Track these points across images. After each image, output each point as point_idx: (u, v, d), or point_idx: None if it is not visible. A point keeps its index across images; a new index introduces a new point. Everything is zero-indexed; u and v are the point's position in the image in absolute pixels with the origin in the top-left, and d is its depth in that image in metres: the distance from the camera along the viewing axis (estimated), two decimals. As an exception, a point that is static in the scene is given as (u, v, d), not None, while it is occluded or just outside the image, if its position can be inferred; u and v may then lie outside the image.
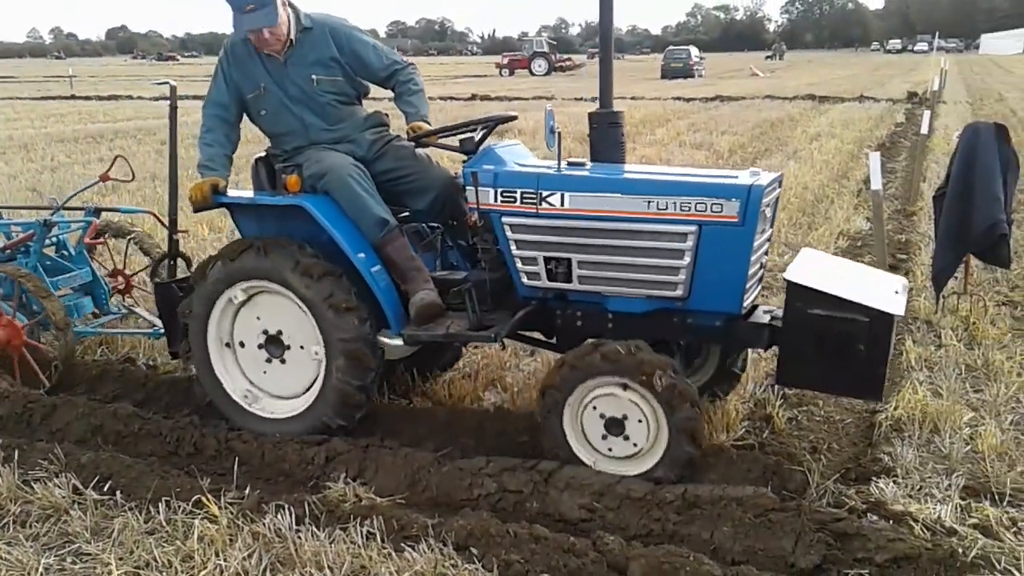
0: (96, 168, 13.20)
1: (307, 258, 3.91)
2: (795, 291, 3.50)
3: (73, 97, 32.78)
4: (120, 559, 3.16)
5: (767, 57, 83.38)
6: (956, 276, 5.66)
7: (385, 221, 3.98)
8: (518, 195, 3.81)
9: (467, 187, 3.89)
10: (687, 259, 3.60)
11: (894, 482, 3.62)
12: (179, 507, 3.43)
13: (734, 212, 3.50)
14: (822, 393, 4.33)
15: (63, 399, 4.53)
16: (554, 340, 4.21)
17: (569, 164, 3.87)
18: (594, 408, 3.61)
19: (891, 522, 3.29)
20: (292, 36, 4.15)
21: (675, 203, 3.58)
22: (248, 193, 4.31)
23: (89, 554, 3.22)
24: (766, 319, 3.81)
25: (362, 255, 3.95)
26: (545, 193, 3.76)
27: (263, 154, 4.43)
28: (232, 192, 4.22)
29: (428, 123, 4.22)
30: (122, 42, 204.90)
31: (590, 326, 3.92)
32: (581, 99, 27.54)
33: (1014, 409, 4.36)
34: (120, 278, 5.99)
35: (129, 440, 4.19)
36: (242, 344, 4.22)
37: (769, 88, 31.96)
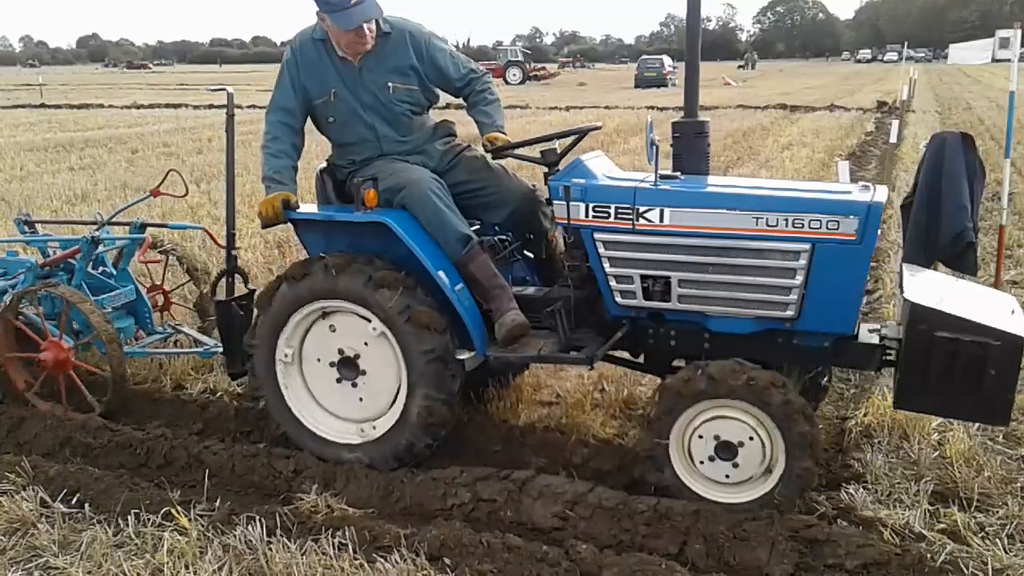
0: (66, 177, 13.08)
1: (382, 271, 3.70)
2: (920, 313, 3.25)
3: (43, 106, 32.41)
4: (88, 573, 3.13)
5: (739, 67, 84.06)
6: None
7: (468, 237, 3.78)
8: (612, 210, 3.60)
9: (554, 201, 3.71)
10: (799, 278, 3.42)
11: (864, 488, 3.65)
12: (148, 520, 3.39)
13: (851, 230, 3.32)
14: (941, 418, 4.03)
15: (30, 412, 4.47)
16: (641, 359, 4.05)
17: (662, 177, 3.66)
18: (700, 436, 3.43)
19: (861, 528, 3.32)
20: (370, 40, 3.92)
21: (787, 220, 3.39)
22: (313, 208, 4.08)
23: (57, 568, 3.18)
24: (875, 339, 3.60)
25: (443, 273, 3.74)
26: (642, 208, 3.56)
27: (325, 164, 4.21)
28: (303, 207, 3.99)
29: (505, 134, 4.06)
30: (93, 50, 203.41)
31: (684, 346, 3.77)
32: (556, 108, 27.66)
33: (981, 415, 4.40)
34: (159, 295, 5.67)
35: (98, 452, 4.14)
36: (313, 368, 3.98)
37: (741, 97, 32.20)
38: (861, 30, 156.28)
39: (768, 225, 3.42)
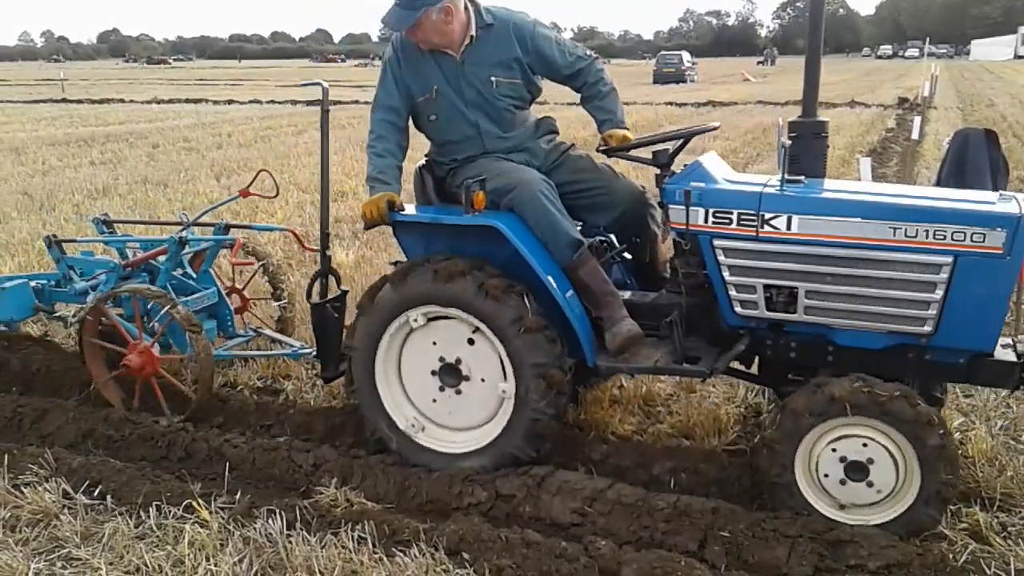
0: (87, 172, 13.19)
1: (491, 278, 3.54)
2: None
3: (64, 100, 32.70)
4: (110, 564, 3.15)
5: (759, 62, 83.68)
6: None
7: (579, 242, 3.63)
8: (734, 216, 3.43)
9: (669, 205, 3.54)
10: (939, 293, 3.23)
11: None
12: (170, 512, 3.42)
13: (999, 243, 3.12)
14: None
15: (52, 403, 4.51)
16: (754, 371, 3.94)
17: (787, 181, 3.48)
18: (828, 456, 3.26)
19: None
20: (472, 32, 3.78)
21: (927, 231, 3.19)
22: (411, 209, 3.90)
23: (79, 559, 3.21)
24: (1011, 356, 3.40)
25: (553, 279, 3.59)
26: (768, 215, 3.37)
27: (424, 161, 4.07)
28: (408, 208, 3.85)
29: (626, 128, 3.88)
30: (114, 45, 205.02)
31: (805, 359, 3.60)
32: (573, 103, 27.62)
33: (1004, 414, 4.38)
34: (236, 297, 5.52)
35: (120, 444, 4.17)
36: (413, 376, 3.84)
37: (761, 93, 32.05)
38: (882, 26, 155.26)
39: (907, 236, 3.22)
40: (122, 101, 32.43)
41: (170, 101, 32.43)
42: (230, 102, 31.94)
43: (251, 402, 4.66)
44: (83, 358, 4.61)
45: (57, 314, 5.30)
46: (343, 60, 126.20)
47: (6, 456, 3.88)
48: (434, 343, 3.75)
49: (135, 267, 5.05)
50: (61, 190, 11.33)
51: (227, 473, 3.81)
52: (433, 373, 3.78)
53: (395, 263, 4.00)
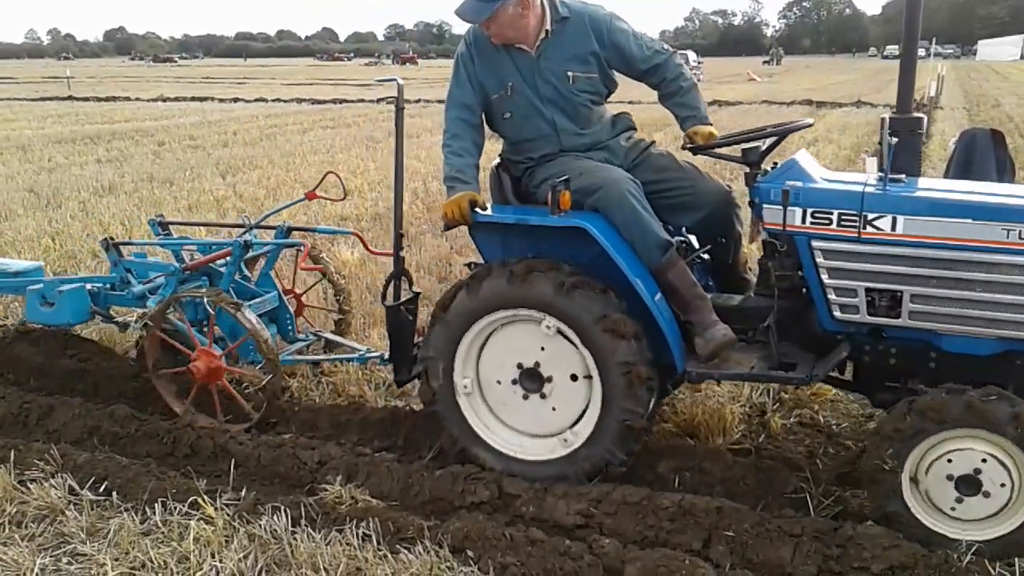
0: (93, 169, 13.22)
1: (571, 277, 3.42)
2: None
3: (71, 98, 32.76)
4: (116, 560, 3.16)
5: (765, 62, 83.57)
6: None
7: (667, 243, 3.50)
8: (834, 216, 3.30)
9: (764, 205, 3.44)
10: None
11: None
12: (175, 508, 3.43)
13: None
14: None
15: (58, 399, 4.52)
16: (848, 377, 3.79)
17: (889, 180, 3.36)
18: (948, 461, 3.10)
19: (887, 528, 3.29)
20: (548, 26, 3.66)
21: None
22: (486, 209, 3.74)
23: (85, 554, 3.22)
24: None
25: (640, 281, 3.46)
26: (871, 216, 3.25)
27: (499, 160, 3.94)
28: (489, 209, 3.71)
29: (710, 124, 3.76)
30: (120, 43, 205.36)
31: (906, 366, 3.46)
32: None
33: None
34: (292, 299, 5.35)
35: (125, 441, 4.18)
36: (493, 382, 3.71)
37: (767, 93, 32.00)
38: (888, 26, 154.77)
39: (1021, 238, 3.09)
40: (128, 99, 32.49)
41: (176, 99, 32.49)
42: (236, 100, 31.98)
43: (256, 399, 4.65)
44: (143, 363, 4.54)
45: (117, 319, 5.17)
46: (349, 59, 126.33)
47: (12, 452, 3.90)
48: (510, 349, 3.63)
49: (192, 269, 4.87)
50: (67, 187, 11.36)
51: (232, 470, 3.82)
52: (513, 381, 3.66)
53: (470, 264, 3.94)
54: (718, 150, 3.71)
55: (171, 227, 5.58)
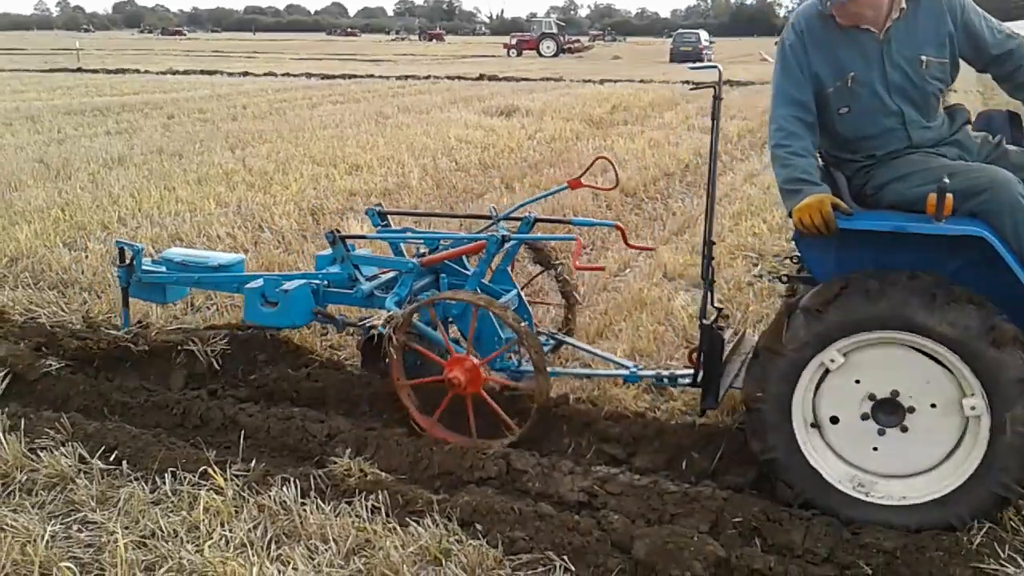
0: (103, 141, 13.20)
1: (942, 288, 2.99)
2: None
3: (80, 70, 32.69)
4: (126, 528, 3.17)
5: (777, 43, 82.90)
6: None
7: None
8: None
9: None
10: None
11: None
12: (185, 478, 3.45)
13: None
14: None
15: (67, 369, 4.53)
16: None
17: None
18: None
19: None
20: (903, 5, 3.24)
21: None
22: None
23: (95, 522, 3.24)
24: None
25: None
26: None
27: (822, 162, 3.52)
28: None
29: None
30: (129, 16, 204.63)
31: None
32: (590, 81, 27.52)
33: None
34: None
35: (135, 411, 4.20)
36: (835, 419, 3.23)
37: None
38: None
39: None
40: (137, 72, 32.39)
41: (185, 72, 32.38)
42: (245, 74, 31.87)
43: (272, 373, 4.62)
44: (384, 371, 4.20)
45: (351, 321, 4.64)
46: (359, 34, 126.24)
47: (23, 420, 3.91)
48: (856, 381, 3.17)
49: (430, 264, 4.41)
50: (76, 159, 11.35)
51: (242, 441, 3.83)
52: (864, 417, 3.20)
53: (786, 280, 3.65)
54: None
55: (388, 217, 4.88)
